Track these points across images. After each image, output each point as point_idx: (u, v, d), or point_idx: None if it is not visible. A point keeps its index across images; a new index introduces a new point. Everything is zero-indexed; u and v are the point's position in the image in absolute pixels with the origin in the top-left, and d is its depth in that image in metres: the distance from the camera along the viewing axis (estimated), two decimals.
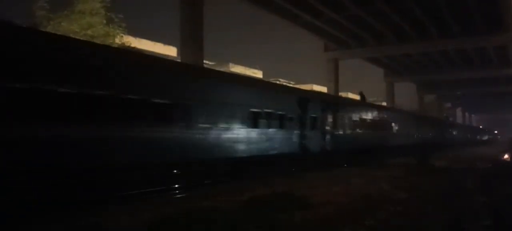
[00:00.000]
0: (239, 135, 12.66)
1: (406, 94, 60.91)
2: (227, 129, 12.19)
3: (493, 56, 40.62)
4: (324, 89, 40.03)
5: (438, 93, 66.08)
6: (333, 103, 19.78)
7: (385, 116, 26.41)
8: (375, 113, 24.36)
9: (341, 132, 19.16)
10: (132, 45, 19.30)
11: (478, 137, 73.26)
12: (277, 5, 27.08)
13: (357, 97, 56.84)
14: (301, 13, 28.58)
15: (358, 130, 21.06)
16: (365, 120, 22.35)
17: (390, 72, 49.28)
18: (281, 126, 14.60)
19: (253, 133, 13.32)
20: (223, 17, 45.56)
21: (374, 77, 54.05)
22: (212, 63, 36.16)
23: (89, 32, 16.19)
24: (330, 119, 18.20)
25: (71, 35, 14.67)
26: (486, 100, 73.52)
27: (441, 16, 29.32)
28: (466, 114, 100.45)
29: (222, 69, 29.46)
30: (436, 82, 56.57)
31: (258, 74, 43.19)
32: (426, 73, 49.60)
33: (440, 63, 44.97)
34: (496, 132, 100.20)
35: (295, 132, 15.48)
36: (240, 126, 12.70)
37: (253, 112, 13.27)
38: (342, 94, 45.08)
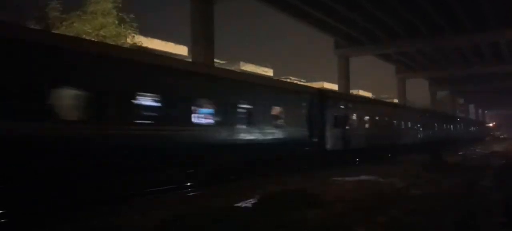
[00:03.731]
0: None
1: (418, 90, 60.34)
2: None
3: (506, 51, 40.13)
4: (334, 87, 39.88)
5: (450, 89, 65.46)
6: None
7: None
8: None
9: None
10: (144, 45, 19.41)
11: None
12: (287, 3, 27.03)
13: (368, 95, 56.49)
14: (312, 10, 28.49)
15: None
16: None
17: (402, 68, 48.97)
18: None
19: None
20: (233, 15, 45.60)
21: (385, 74, 53.59)
22: (223, 62, 36.19)
23: (101, 32, 16.34)
24: None
25: (84, 36, 14.86)
26: (499, 96, 72.53)
27: (453, 12, 29.05)
28: (479, 110, 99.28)
29: (233, 68, 29.55)
30: (449, 78, 56.01)
31: (268, 72, 43.10)
32: (438, 69, 49.23)
33: (453, 59, 44.56)
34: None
35: None
36: None
37: None
38: (353, 91, 44.87)
